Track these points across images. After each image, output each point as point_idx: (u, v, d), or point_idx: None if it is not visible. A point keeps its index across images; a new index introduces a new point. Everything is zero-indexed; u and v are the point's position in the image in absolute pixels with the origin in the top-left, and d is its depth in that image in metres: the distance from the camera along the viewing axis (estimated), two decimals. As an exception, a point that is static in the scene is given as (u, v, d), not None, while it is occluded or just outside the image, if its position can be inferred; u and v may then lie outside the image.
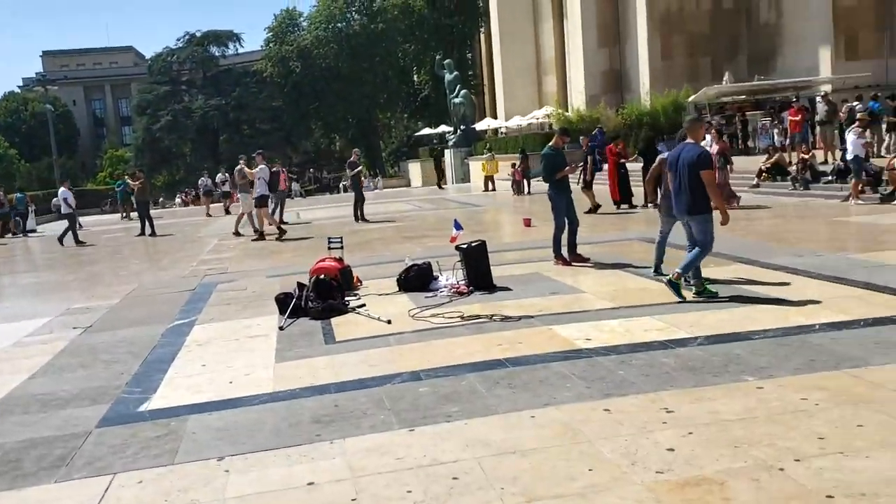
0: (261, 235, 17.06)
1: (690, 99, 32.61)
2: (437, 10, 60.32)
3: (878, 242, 10.62)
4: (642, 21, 41.56)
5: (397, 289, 9.21)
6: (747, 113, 31.21)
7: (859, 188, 15.68)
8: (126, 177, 32.62)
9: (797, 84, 32.92)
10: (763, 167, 19.90)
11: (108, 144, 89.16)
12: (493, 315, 7.33)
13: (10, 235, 28.00)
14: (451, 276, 9.15)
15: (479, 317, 7.35)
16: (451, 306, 8.02)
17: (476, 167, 41.30)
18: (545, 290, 8.47)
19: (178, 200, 54.57)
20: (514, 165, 30.56)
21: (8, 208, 29.13)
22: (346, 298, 8.71)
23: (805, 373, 4.96)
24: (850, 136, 15.85)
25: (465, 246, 8.99)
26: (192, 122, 69.09)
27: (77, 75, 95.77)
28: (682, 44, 42.27)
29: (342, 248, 10.11)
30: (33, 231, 29.63)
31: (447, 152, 46.14)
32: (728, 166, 16.23)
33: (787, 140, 23.12)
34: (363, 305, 8.39)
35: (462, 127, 46.33)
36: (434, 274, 9.26)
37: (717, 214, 7.50)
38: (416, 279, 9.12)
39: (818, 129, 21.96)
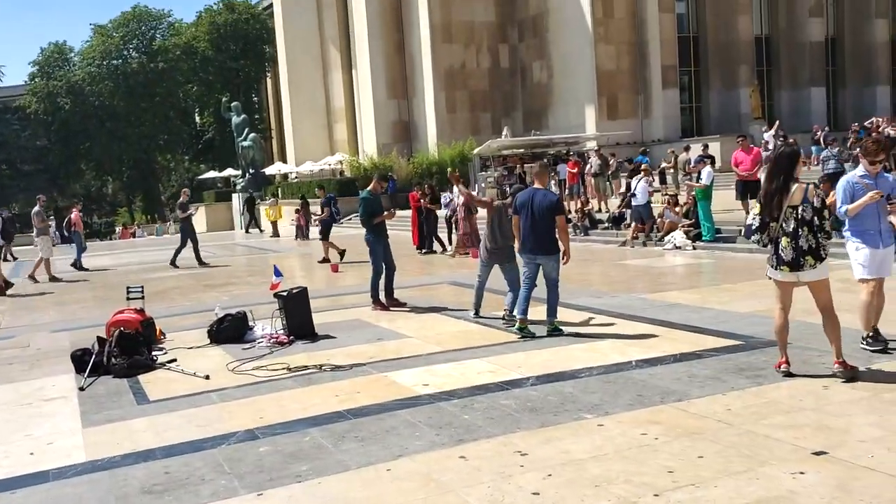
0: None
1: (475, 151, 34.25)
2: (221, 53, 58.90)
3: (661, 284, 11.65)
4: (428, 77, 43.32)
5: (209, 341, 8.65)
6: (525, 165, 33.39)
7: (636, 233, 17.19)
8: None
9: (568, 139, 35.80)
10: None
11: None
12: (322, 365, 7.08)
13: None
14: (267, 325, 8.75)
15: (307, 367, 7.07)
16: (273, 357, 7.65)
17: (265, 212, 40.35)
18: (370, 337, 8.35)
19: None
20: (297, 211, 30.62)
21: None
22: (153, 353, 8.03)
23: (637, 408, 5.26)
24: (641, 184, 17.30)
25: (284, 293, 8.66)
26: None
27: None
28: (465, 99, 44.56)
29: (143, 297, 9.33)
30: None
31: (235, 196, 44.72)
32: (473, 215, 16.92)
33: (567, 190, 24.93)
34: (174, 360, 7.77)
35: (251, 171, 45.22)
36: (249, 324, 8.81)
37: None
38: (231, 330, 8.62)
39: (592, 180, 23.88)
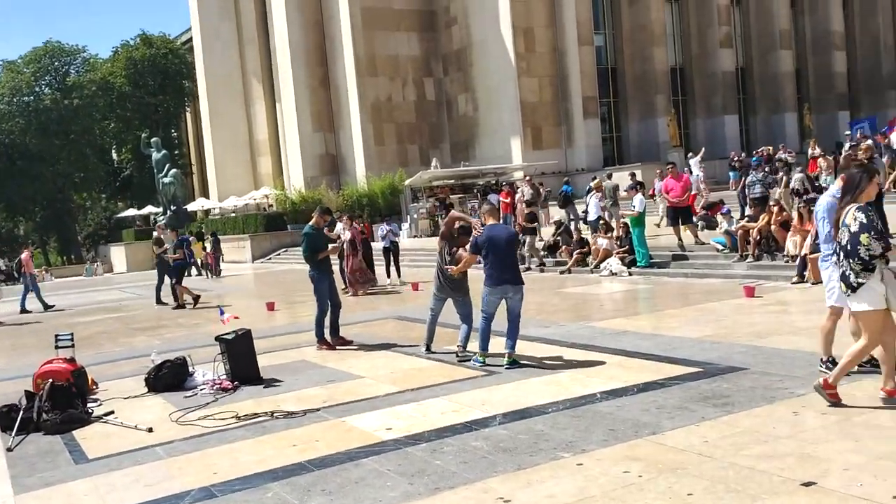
0: None
1: (406, 182, 34.23)
2: (139, 88, 57.44)
3: (605, 311, 11.68)
4: (355, 109, 43.24)
5: (146, 389, 8.14)
6: (451, 196, 33.53)
7: (574, 261, 17.31)
8: None
9: (496, 170, 36.18)
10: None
11: None
12: (273, 412, 6.71)
13: None
14: (209, 370, 8.31)
15: (257, 415, 6.69)
16: (218, 405, 7.23)
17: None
18: (320, 379, 8.01)
19: None
20: (204, 249, 30.04)
21: None
22: (88, 406, 7.49)
23: (613, 444, 5.11)
24: (594, 200, 17.50)
25: (227, 336, 8.24)
26: None
27: None
28: (392, 131, 44.62)
29: (73, 345, 8.74)
30: None
31: (155, 235, 43.32)
32: (359, 252, 16.76)
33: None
34: (111, 412, 7.26)
35: (172, 207, 43.98)
36: (190, 369, 8.34)
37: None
38: (170, 377, 8.14)
39: (525, 209, 24.01)
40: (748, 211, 16.34)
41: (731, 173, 28.56)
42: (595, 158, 41.88)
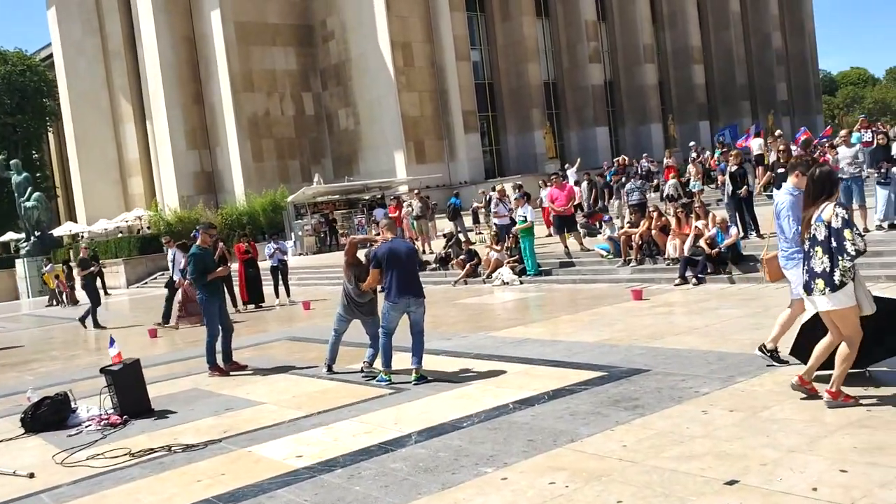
0: None
1: (289, 199, 33.51)
2: (-5, 107, 53.76)
3: (503, 320, 11.75)
4: (231, 126, 42.07)
5: (23, 430, 7.46)
6: (335, 211, 33.17)
7: (466, 274, 17.39)
8: None
9: (382, 184, 36.06)
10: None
11: None
12: (170, 446, 6.27)
13: None
14: (93, 405, 7.71)
15: (152, 450, 6.23)
16: (108, 443, 6.70)
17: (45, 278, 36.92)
18: (218, 407, 7.58)
19: None
20: (57, 276, 28.66)
21: None
22: (-45, 453, 6.78)
23: (534, 455, 5.06)
24: (501, 209, 17.69)
25: (113, 367, 7.68)
26: None
27: None
28: (271, 147, 43.68)
29: (-67, 388, 7.93)
30: None
31: (19, 263, 40.55)
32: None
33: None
34: (-17, 459, 6.59)
35: (37, 233, 41.21)
36: (72, 405, 7.71)
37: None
38: (51, 415, 7.49)
39: (414, 222, 23.98)
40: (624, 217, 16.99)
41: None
42: (477, 171, 42.52)
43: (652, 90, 49.24)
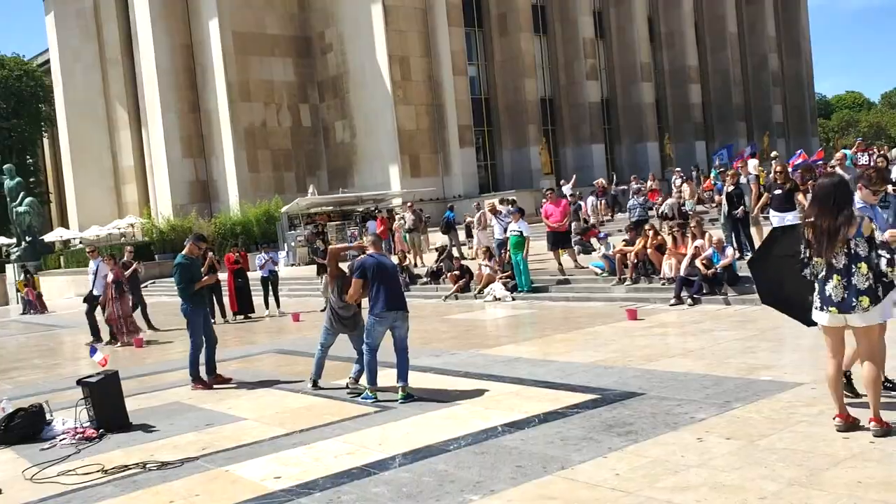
0: None
1: (284, 209, 33.29)
2: (-10, 112, 53.54)
3: (494, 338, 11.54)
4: (227, 135, 41.87)
5: (-6, 443, 7.21)
6: (328, 223, 32.95)
7: (458, 288, 17.19)
8: None
9: (376, 196, 35.89)
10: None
11: None
12: (145, 463, 6.04)
13: None
14: (69, 418, 7.46)
15: (126, 467, 5.99)
16: (81, 458, 6.46)
17: (50, 283, 36.58)
18: (198, 423, 7.34)
19: None
20: (25, 284, 28.50)
21: None
22: (-78, 466, 6.52)
23: (522, 482, 4.84)
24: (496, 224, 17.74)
25: (91, 379, 7.44)
26: None
27: None
28: (267, 158, 43.49)
29: None
30: None
31: (9, 268, 40.19)
32: (124, 295, 14.65)
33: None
34: (-49, 473, 6.34)
35: (28, 238, 40.88)
36: (47, 417, 7.47)
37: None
38: (24, 427, 7.25)
39: (407, 235, 23.80)
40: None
41: (590, 198, 29.44)
42: (471, 186, 42.39)
43: (649, 108, 49.29)
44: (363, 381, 7.80)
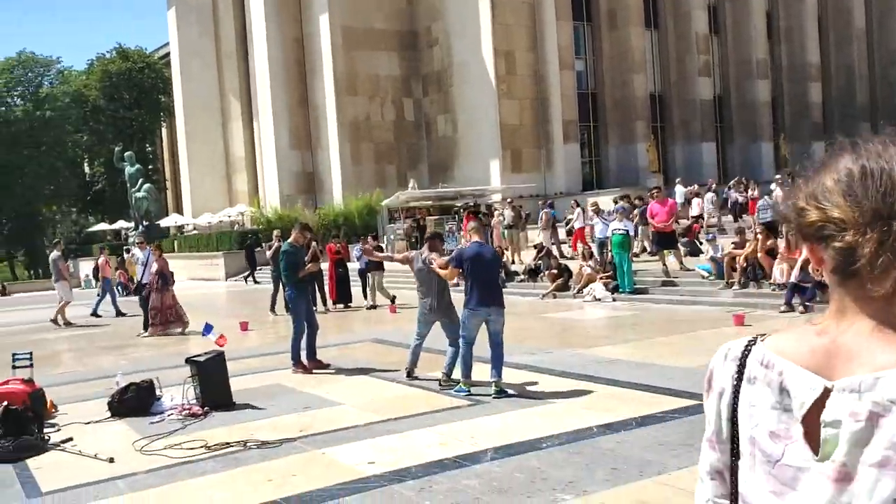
0: None
1: (384, 202, 33.83)
2: (114, 102, 56.60)
3: (592, 338, 11.33)
4: (333, 128, 42.80)
5: (109, 414, 7.61)
6: (426, 217, 33.22)
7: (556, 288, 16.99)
8: None
9: (475, 192, 35.93)
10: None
11: None
12: (246, 441, 6.24)
13: None
14: (177, 394, 7.80)
15: (228, 444, 6.21)
16: (186, 433, 6.74)
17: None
18: (297, 405, 7.53)
19: None
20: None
21: None
22: (45, 431, 6.96)
23: (616, 485, 4.73)
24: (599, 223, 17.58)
25: (198, 358, 7.75)
26: None
27: None
28: (370, 151, 44.20)
29: (31, 365, 8.20)
30: None
31: (132, 250, 42.47)
32: (169, 287, 14.86)
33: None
34: (69, 439, 6.74)
35: (145, 223, 43.09)
36: (157, 393, 7.83)
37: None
38: (135, 401, 7.63)
39: (505, 232, 23.69)
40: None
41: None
42: (574, 182, 41.81)
43: (764, 107, 47.26)
44: (457, 374, 7.79)
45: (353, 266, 18.82)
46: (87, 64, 60.57)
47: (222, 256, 35.23)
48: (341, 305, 17.54)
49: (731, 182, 28.68)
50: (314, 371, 9.28)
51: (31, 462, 6.16)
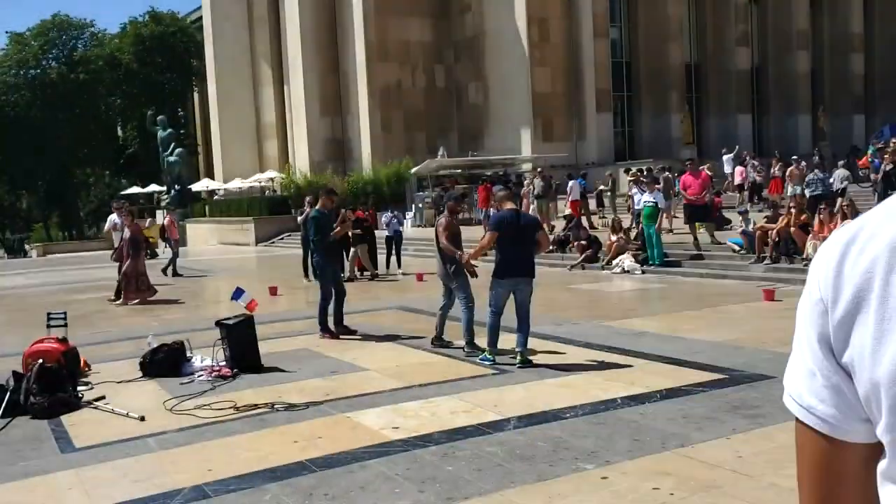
0: None
1: (413, 170, 33.78)
2: (147, 66, 56.88)
3: (620, 310, 11.30)
4: (363, 95, 42.66)
5: (141, 374, 7.78)
6: (456, 186, 33.09)
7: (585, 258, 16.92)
8: None
9: (505, 161, 35.74)
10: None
11: None
12: (273, 403, 6.35)
13: None
14: (207, 356, 7.94)
15: (256, 406, 6.32)
16: (216, 394, 6.87)
17: (195, 230, 38.89)
18: (323, 370, 7.63)
19: None
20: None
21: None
22: (79, 389, 7.14)
23: (638, 456, 4.74)
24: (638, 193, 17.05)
25: (228, 321, 7.87)
26: None
27: None
28: (400, 118, 44.02)
29: (66, 325, 8.37)
30: None
31: (159, 214, 42.97)
32: (141, 253, 14.45)
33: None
34: (102, 398, 6.90)
35: (177, 187, 43.56)
36: (187, 354, 7.98)
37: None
38: (166, 361, 7.78)
39: (535, 202, 23.55)
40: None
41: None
42: (606, 153, 41.36)
43: (803, 79, 46.23)
44: (487, 343, 7.77)
45: (381, 234, 18.89)
46: (120, 27, 60.90)
47: (252, 222, 35.53)
48: (368, 273, 17.60)
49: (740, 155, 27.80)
50: (341, 337, 9.37)
51: (65, 419, 6.33)
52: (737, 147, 29.63)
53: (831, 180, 17.98)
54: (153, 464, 5.10)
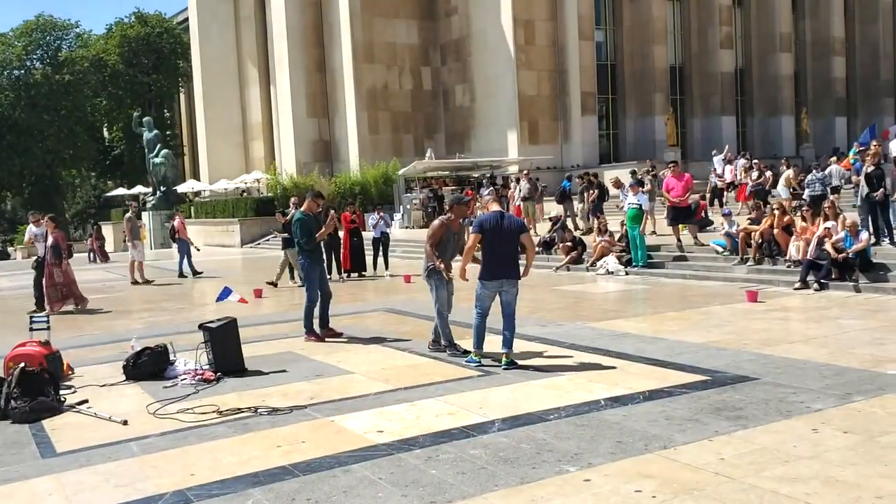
0: None
1: (400, 172, 33.76)
2: (133, 67, 56.61)
3: (603, 311, 11.33)
4: (350, 96, 42.62)
5: (124, 377, 7.74)
6: (443, 187, 33.08)
7: (570, 260, 16.97)
8: None
9: (492, 162, 35.77)
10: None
11: None
12: (257, 407, 6.33)
13: None
14: (190, 359, 7.90)
15: (239, 410, 6.30)
16: (199, 398, 6.85)
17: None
18: (308, 373, 7.62)
19: None
20: (91, 235, 29.89)
21: None
22: (61, 393, 7.09)
23: (621, 458, 4.76)
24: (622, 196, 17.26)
25: (211, 324, 7.84)
26: None
27: None
28: (387, 120, 44.01)
29: (48, 328, 8.32)
30: None
31: (145, 215, 42.71)
32: (63, 260, 13.76)
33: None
34: (84, 401, 6.86)
35: (162, 188, 43.32)
36: (170, 357, 7.94)
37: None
38: (150, 365, 7.74)
39: (521, 204, 23.58)
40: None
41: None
42: (591, 155, 41.52)
43: (786, 81, 46.57)
44: (473, 345, 7.77)
45: (368, 235, 18.88)
46: (106, 28, 60.58)
47: (238, 223, 35.40)
48: (355, 275, 17.59)
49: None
50: (327, 339, 9.36)
51: (47, 423, 6.29)
52: (726, 147, 29.83)
53: (830, 178, 18.13)
54: (135, 469, 5.07)
